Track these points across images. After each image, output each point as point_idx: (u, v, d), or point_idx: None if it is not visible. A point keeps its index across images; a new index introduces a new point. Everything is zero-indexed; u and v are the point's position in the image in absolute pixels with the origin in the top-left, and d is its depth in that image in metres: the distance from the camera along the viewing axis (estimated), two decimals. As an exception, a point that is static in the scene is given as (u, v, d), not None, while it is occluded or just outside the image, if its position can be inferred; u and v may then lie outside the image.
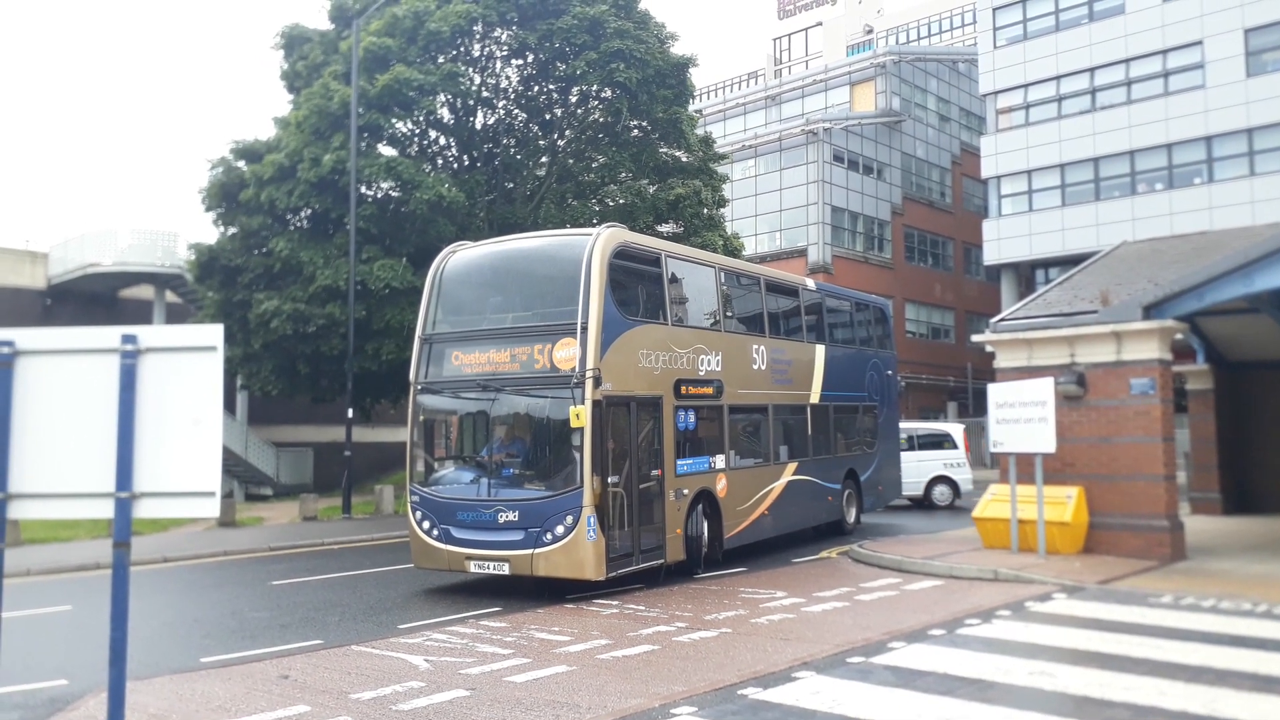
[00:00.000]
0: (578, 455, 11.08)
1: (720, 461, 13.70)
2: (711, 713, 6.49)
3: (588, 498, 10.98)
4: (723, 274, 14.58)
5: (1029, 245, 37.38)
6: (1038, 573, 11.88)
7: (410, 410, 12.60)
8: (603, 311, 11.37)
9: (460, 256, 13.10)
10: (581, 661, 8.16)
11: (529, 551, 11.17)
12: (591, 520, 10.98)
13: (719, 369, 13.73)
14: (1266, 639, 8.35)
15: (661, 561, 12.23)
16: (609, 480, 11.33)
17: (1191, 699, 6.55)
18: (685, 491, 12.77)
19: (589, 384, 11.03)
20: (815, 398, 16.65)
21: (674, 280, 13.23)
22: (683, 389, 12.85)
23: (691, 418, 13.08)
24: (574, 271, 11.61)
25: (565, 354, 11.32)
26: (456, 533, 11.70)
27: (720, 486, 13.61)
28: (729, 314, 14.67)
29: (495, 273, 13.09)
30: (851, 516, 17.74)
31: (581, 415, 10.90)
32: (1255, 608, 9.80)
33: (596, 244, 11.68)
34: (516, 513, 11.36)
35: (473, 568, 11.65)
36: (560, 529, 11.02)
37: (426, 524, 11.98)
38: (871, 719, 6.26)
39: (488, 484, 11.82)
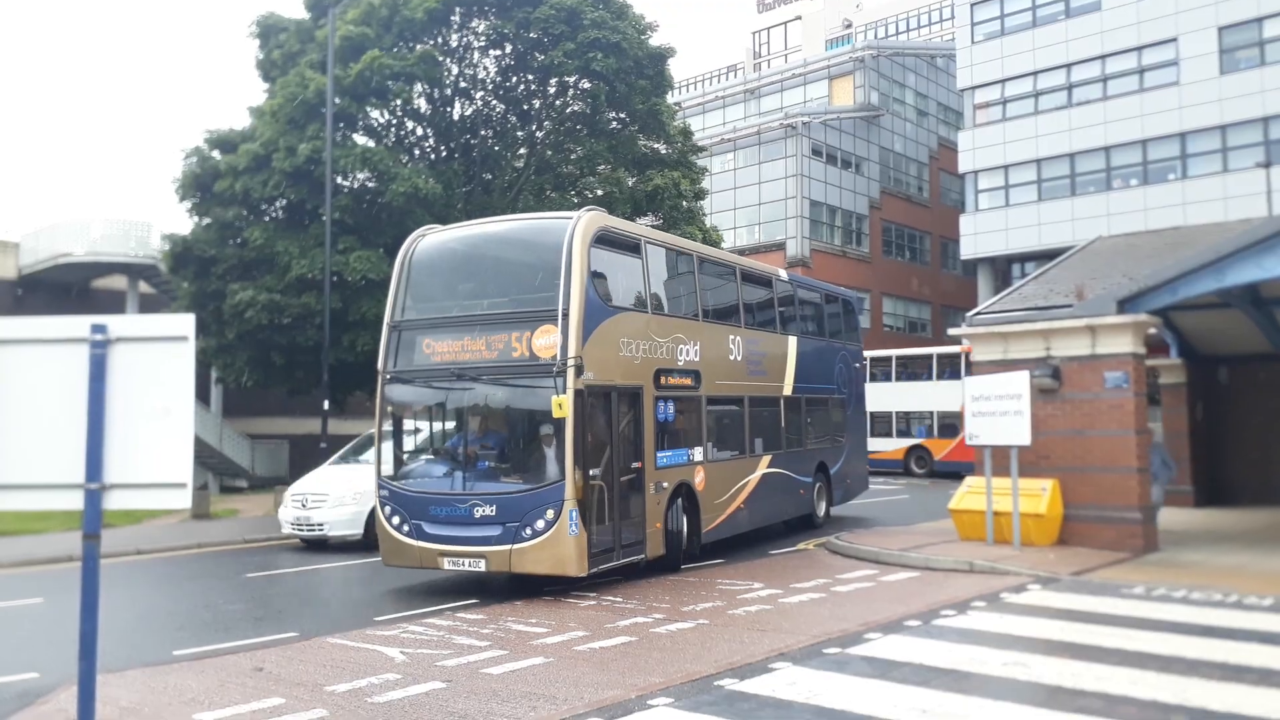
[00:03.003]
0: (559, 447, 10.69)
1: (698, 454, 13.43)
2: (688, 704, 6.49)
3: (569, 491, 10.59)
4: (701, 262, 14.32)
5: (1005, 240, 37.65)
6: (1013, 564, 11.97)
7: (378, 401, 12.07)
8: (584, 298, 10.99)
9: (431, 240, 12.60)
10: (559, 653, 8.14)
11: (507, 547, 10.76)
12: (574, 514, 10.60)
13: (697, 359, 13.46)
14: (1236, 629, 8.45)
15: (642, 557, 11.95)
16: (590, 473, 10.96)
17: (1162, 688, 6.62)
18: (665, 484, 12.47)
19: (571, 373, 10.63)
20: (788, 390, 16.46)
21: (654, 267, 12.95)
22: (662, 379, 12.55)
23: (671, 409, 12.77)
24: (554, 256, 11.18)
25: (545, 342, 10.92)
26: (429, 528, 11.21)
27: (699, 479, 13.34)
28: (706, 303, 14.31)
29: (469, 257, 12.62)
30: (821, 510, 17.64)
31: (564, 405, 10.47)
32: (1226, 598, 9.92)
33: (577, 227, 11.27)
34: (494, 507, 10.92)
35: (447, 565, 11.18)
36: (540, 524, 10.62)
37: (396, 519, 11.46)
38: (848, 710, 6.28)
39: (462, 477, 11.42)
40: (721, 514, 14.04)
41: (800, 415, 16.98)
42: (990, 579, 11.45)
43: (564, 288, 10.95)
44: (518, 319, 11.31)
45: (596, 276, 11.44)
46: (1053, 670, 7.17)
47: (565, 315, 10.85)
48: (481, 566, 11.02)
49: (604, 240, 11.81)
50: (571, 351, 10.71)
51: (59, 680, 7.62)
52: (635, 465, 11.94)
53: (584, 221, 11.42)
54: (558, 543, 10.61)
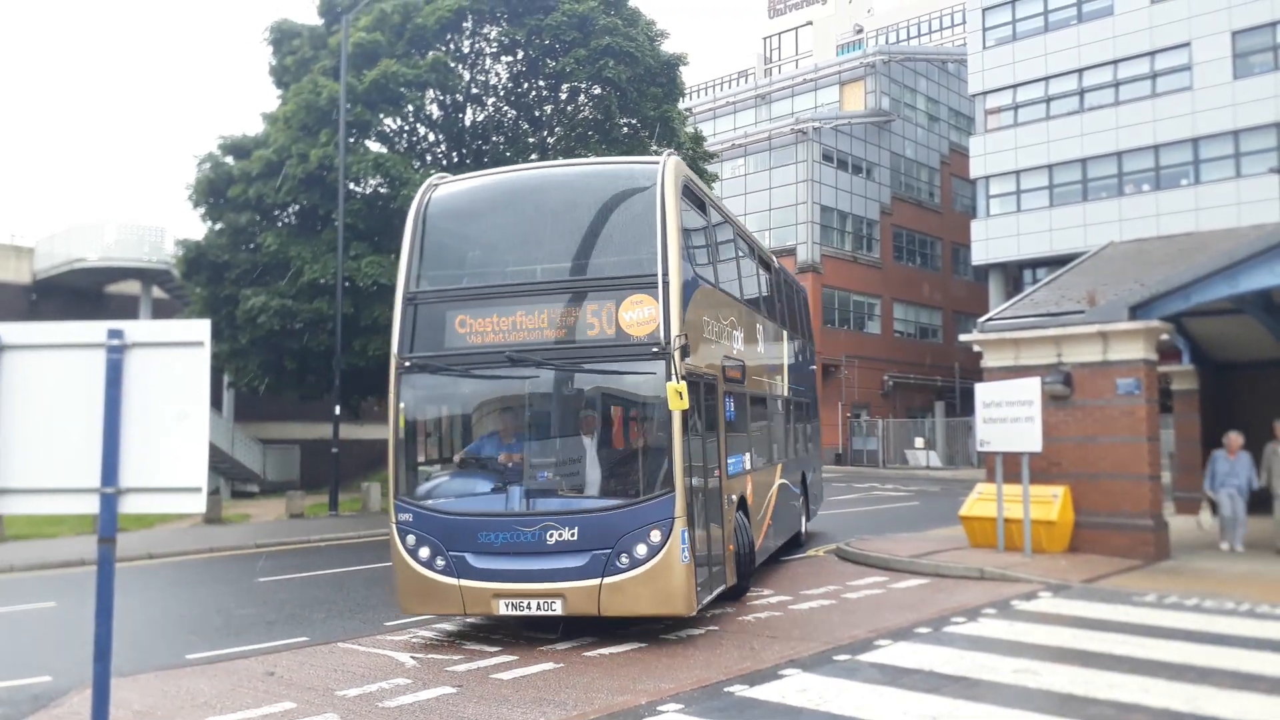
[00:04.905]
0: (664, 449, 8.34)
1: (747, 461, 11.13)
2: (698, 710, 6.50)
3: (680, 506, 8.27)
4: (740, 236, 12.31)
5: (1017, 245, 37.55)
6: (1023, 571, 11.93)
7: (393, 396, 9.10)
8: (682, 262, 8.80)
9: (453, 190, 10.03)
10: (569, 659, 8.16)
11: (595, 581, 8.25)
12: (685, 535, 8.29)
13: (743, 349, 11.31)
14: (1249, 637, 8.41)
15: (724, 586, 9.65)
16: (693, 482, 8.75)
17: (1174, 696, 6.59)
18: (733, 497, 10.15)
19: (677, 355, 8.34)
20: (786, 391, 14.54)
21: (717, 235, 10.78)
22: (727, 371, 10.23)
23: (733, 406, 10.54)
24: (643, 209, 8.94)
25: (637, 316, 8.60)
26: (476, 561, 8.52)
27: (749, 490, 11.02)
28: (745, 286, 12.14)
29: (509, 211, 9.92)
30: (803, 525, 15.64)
31: (684, 395, 8.13)
32: (1238, 607, 9.86)
33: (666, 174, 8.94)
34: (574, 529, 8.37)
35: (503, 609, 8.47)
36: (642, 549, 8.23)
37: (425, 551, 8.66)
38: (857, 716, 6.28)
39: (523, 492, 8.73)
40: (760, 531, 11.79)
41: (792, 420, 15.03)
42: (1001, 586, 11.42)
43: (661, 248, 8.68)
44: (596, 288, 8.94)
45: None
46: (1064, 678, 7.14)
47: (665, 283, 8.57)
48: (557, 609, 8.39)
49: (686, 194, 9.53)
50: (675, 328, 8.46)
51: (72, 683, 7.67)
52: (715, 473, 9.62)
53: (671, 167, 9.09)
54: (666, 573, 8.24)
